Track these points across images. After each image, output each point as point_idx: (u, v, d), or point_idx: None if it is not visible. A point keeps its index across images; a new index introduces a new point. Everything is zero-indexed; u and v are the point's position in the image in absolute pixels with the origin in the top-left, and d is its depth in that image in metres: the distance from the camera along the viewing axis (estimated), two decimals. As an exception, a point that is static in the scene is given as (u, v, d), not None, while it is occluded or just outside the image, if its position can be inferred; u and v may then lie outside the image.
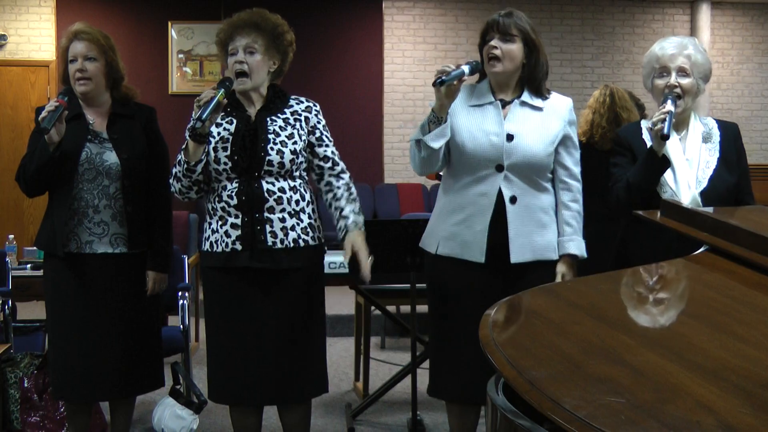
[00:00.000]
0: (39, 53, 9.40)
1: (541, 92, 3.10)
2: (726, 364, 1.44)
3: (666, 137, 2.86)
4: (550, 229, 3.07)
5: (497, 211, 3.01)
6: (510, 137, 3.01)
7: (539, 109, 3.08)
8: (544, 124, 3.06)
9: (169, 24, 9.49)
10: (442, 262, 3.12)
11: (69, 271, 3.36)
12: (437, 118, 2.95)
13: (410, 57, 10.04)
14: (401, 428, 4.42)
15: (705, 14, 10.40)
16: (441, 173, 3.49)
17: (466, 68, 2.92)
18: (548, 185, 3.09)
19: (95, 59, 3.36)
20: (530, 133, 3.03)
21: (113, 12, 9.28)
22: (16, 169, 3.39)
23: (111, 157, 3.36)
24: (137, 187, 3.39)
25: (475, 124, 3.05)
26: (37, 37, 9.41)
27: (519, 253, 3.01)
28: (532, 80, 3.09)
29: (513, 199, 3.01)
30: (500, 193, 3.01)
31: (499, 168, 3.01)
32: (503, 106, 3.07)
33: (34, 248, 5.28)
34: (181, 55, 9.52)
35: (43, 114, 3.18)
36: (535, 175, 3.04)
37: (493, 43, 3.04)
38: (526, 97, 3.08)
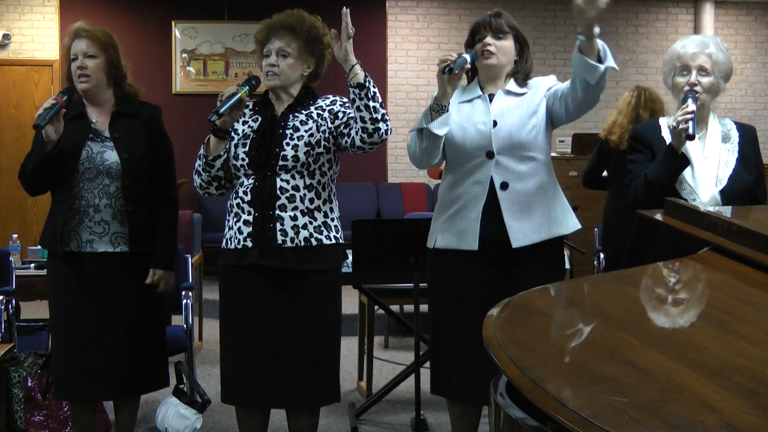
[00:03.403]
0: (42, 53, 9.40)
1: (525, 83, 3.17)
2: (730, 363, 1.44)
3: (692, 137, 2.88)
4: (548, 206, 3.09)
5: (491, 198, 3.04)
6: (495, 123, 3.07)
7: (522, 94, 3.14)
8: (525, 103, 3.11)
9: (173, 23, 9.49)
10: (440, 256, 3.16)
11: (70, 270, 3.37)
12: (440, 106, 3.00)
13: (414, 56, 10.03)
14: (404, 427, 4.42)
15: (708, 14, 10.38)
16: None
17: (467, 56, 3.02)
18: (542, 166, 3.11)
19: (95, 56, 3.38)
20: (512, 115, 3.08)
21: (116, 11, 9.28)
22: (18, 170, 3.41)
23: (111, 156, 3.36)
24: (138, 187, 3.39)
25: (464, 116, 3.12)
26: (40, 37, 9.41)
27: (520, 237, 3.03)
28: (520, 74, 3.17)
29: (504, 185, 3.04)
30: (492, 180, 3.04)
31: (490, 155, 3.05)
32: (491, 100, 3.12)
33: (38, 247, 5.28)
34: (184, 55, 9.52)
35: (39, 111, 3.20)
36: (526, 155, 3.07)
37: (487, 40, 3.12)
38: (510, 86, 3.15)
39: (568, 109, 3.03)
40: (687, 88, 3.03)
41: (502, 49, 3.12)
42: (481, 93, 3.15)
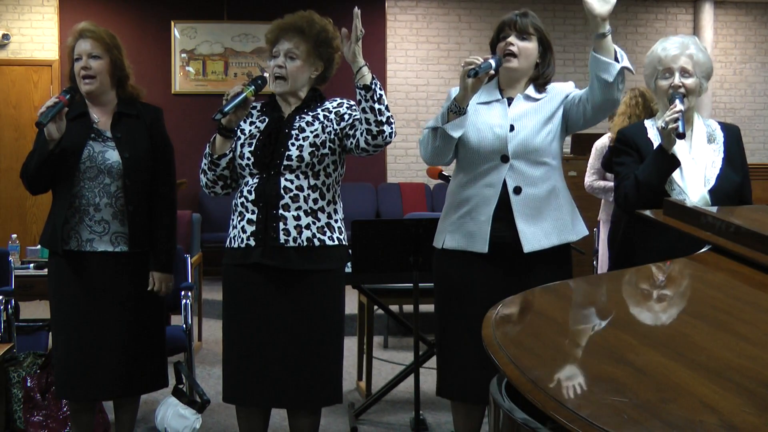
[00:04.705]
0: (42, 53, 9.39)
1: (544, 88, 3.15)
2: (729, 363, 1.44)
3: (682, 136, 2.89)
4: (559, 211, 3.09)
5: (503, 201, 3.03)
6: (512, 127, 3.06)
7: (539, 99, 3.13)
8: (543, 108, 3.10)
9: (172, 23, 9.48)
10: (448, 256, 3.14)
11: (70, 269, 3.37)
12: (458, 108, 2.99)
13: (413, 56, 10.03)
14: (404, 427, 4.42)
15: (708, 13, 10.38)
16: (444, 172, 3.48)
17: (492, 61, 2.98)
18: (555, 171, 3.10)
19: (100, 57, 3.38)
20: (529, 120, 3.07)
21: (116, 11, 9.28)
22: (20, 167, 3.41)
23: (113, 156, 3.36)
24: (139, 187, 3.39)
25: (481, 119, 3.10)
26: (39, 37, 9.40)
27: (531, 242, 3.03)
28: (541, 79, 3.14)
29: (517, 190, 3.03)
30: (505, 184, 3.03)
31: (505, 159, 3.04)
32: (509, 103, 3.11)
33: (37, 247, 5.28)
34: (183, 55, 9.51)
35: (42, 109, 3.20)
36: (540, 160, 3.06)
37: (510, 39, 3.09)
38: (529, 91, 3.13)
39: (586, 113, 3.02)
40: (671, 91, 3.04)
41: (525, 51, 3.10)
42: (500, 96, 3.13)
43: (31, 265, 5.22)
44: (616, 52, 2.89)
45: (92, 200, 3.34)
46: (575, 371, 1.51)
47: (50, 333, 4.01)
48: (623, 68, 2.88)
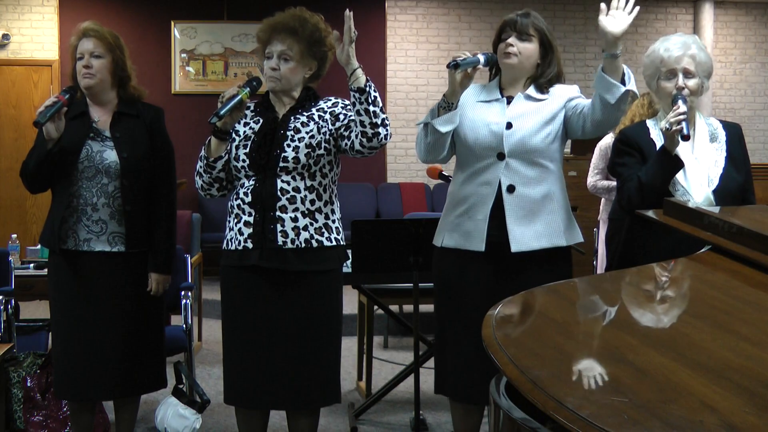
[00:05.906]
0: (42, 53, 9.39)
1: (547, 89, 3.12)
2: (729, 363, 1.44)
3: (687, 138, 2.88)
4: (552, 215, 3.07)
5: (499, 200, 3.03)
6: (509, 125, 3.04)
7: (541, 100, 3.11)
8: (544, 109, 3.08)
9: (172, 23, 9.48)
10: (447, 254, 3.15)
11: (68, 268, 3.38)
12: (448, 103, 3.00)
13: (413, 56, 10.03)
14: (404, 428, 4.42)
15: (708, 13, 10.38)
16: (444, 172, 3.46)
17: (481, 57, 3.00)
18: (552, 175, 3.09)
19: (102, 56, 3.38)
20: (528, 119, 3.06)
21: (116, 11, 9.28)
22: (20, 167, 3.41)
23: (111, 156, 3.36)
24: (137, 187, 3.39)
25: (479, 117, 3.10)
26: (39, 37, 9.40)
27: (519, 242, 3.02)
28: (542, 80, 3.12)
29: (511, 189, 3.03)
30: (501, 182, 3.03)
31: (501, 156, 3.03)
32: (508, 102, 3.10)
33: (37, 247, 5.29)
34: (183, 55, 9.51)
35: (41, 109, 3.20)
36: (538, 162, 3.05)
37: (509, 40, 3.08)
38: (530, 91, 3.11)
39: (585, 126, 3.00)
40: (675, 91, 3.03)
41: (525, 51, 3.08)
42: (500, 96, 3.13)
43: (31, 265, 5.23)
44: (624, 73, 2.87)
45: (90, 200, 3.34)
46: (575, 371, 1.51)
47: (50, 333, 4.01)
48: (627, 91, 2.85)
